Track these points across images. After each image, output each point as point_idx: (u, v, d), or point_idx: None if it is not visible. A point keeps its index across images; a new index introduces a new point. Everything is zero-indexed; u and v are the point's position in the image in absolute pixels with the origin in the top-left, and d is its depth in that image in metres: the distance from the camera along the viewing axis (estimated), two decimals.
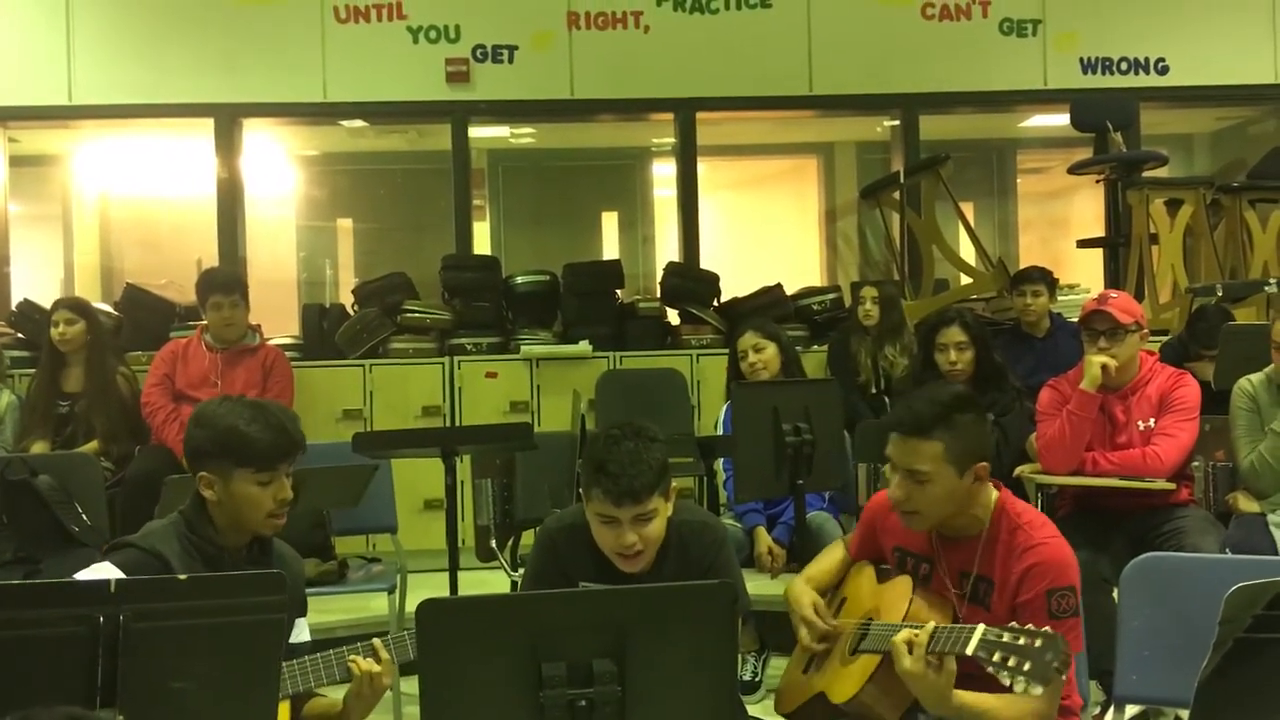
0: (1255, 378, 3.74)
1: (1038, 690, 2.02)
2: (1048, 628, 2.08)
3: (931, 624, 2.22)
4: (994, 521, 2.42)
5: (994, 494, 2.45)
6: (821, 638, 2.54)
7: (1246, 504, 3.71)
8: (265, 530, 2.40)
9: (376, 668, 2.25)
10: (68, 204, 7.96)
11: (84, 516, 3.94)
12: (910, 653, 2.17)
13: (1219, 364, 4.28)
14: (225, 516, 2.36)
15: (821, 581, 2.70)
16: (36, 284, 6.92)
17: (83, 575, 2.20)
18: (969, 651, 2.10)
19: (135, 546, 2.32)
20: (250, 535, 2.41)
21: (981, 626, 2.13)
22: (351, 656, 2.26)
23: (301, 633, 2.44)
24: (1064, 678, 2.22)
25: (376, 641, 2.28)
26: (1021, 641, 2.05)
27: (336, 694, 2.37)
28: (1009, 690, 2.07)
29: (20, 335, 5.58)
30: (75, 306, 4.98)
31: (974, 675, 2.21)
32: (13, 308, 5.80)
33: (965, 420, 2.38)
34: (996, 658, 2.06)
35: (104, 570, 2.23)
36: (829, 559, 2.76)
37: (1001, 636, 2.08)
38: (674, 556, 2.57)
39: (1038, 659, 2.02)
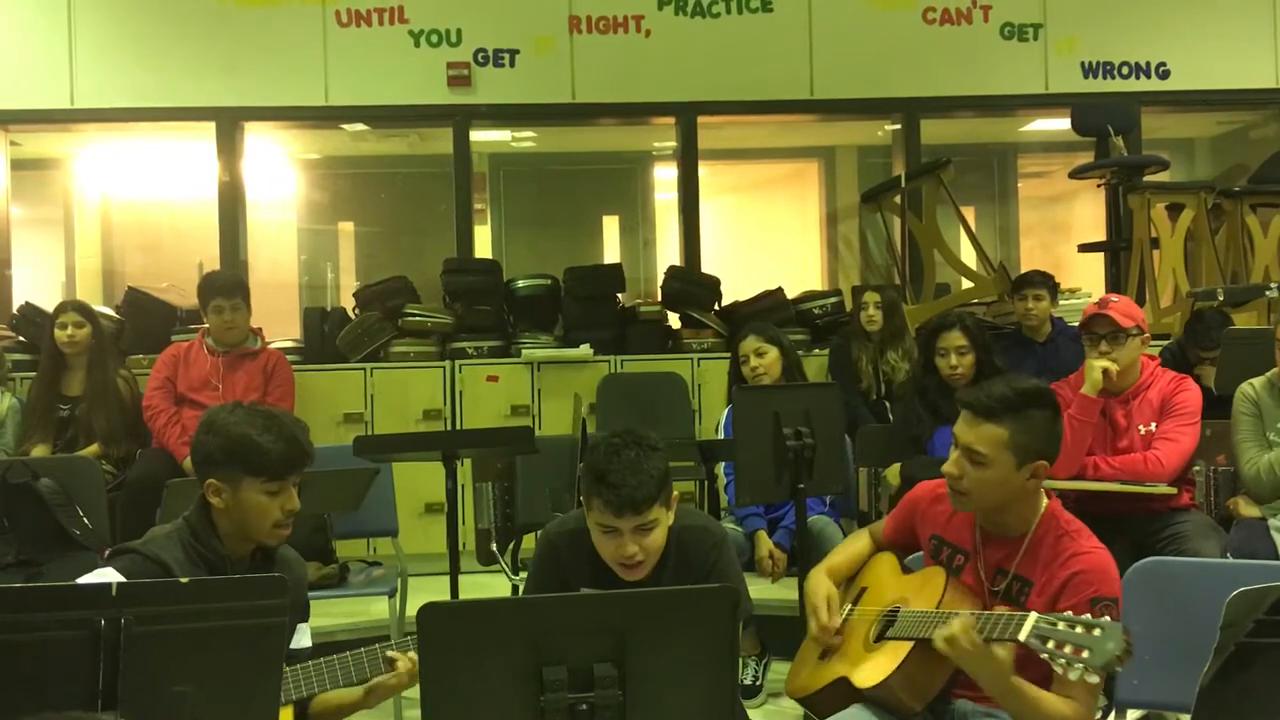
0: (1257, 381, 3.74)
1: (1094, 679, 2.00)
2: (1106, 618, 2.06)
3: (967, 611, 2.20)
4: (1041, 525, 2.41)
5: (1045, 501, 2.45)
6: (824, 631, 2.54)
7: (1247, 508, 3.71)
8: (270, 540, 2.39)
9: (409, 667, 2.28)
10: (69, 207, 7.96)
11: (85, 520, 3.94)
12: (967, 638, 2.15)
13: (1220, 368, 4.28)
14: (231, 524, 2.36)
15: (842, 573, 2.69)
16: (38, 287, 6.93)
17: (85, 580, 2.19)
18: (1021, 638, 2.08)
19: (138, 553, 2.31)
20: (255, 544, 2.40)
21: (1033, 614, 2.11)
22: (391, 653, 2.28)
23: (303, 638, 2.43)
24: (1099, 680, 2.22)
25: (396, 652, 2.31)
26: (1078, 630, 2.02)
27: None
28: (1062, 677, 2.05)
29: (22, 339, 5.58)
30: (82, 309, 4.98)
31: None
32: (14, 311, 5.81)
33: (1037, 415, 2.38)
34: (1051, 645, 2.03)
35: (106, 576, 2.22)
36: (853, 548, 2.76)
37: (1056, 624, 2.05)
38: (674, 560, 2.56)
39: (1098, 646, 1.98)
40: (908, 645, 2.33)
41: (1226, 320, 4.76)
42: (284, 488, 2.34)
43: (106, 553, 3.84)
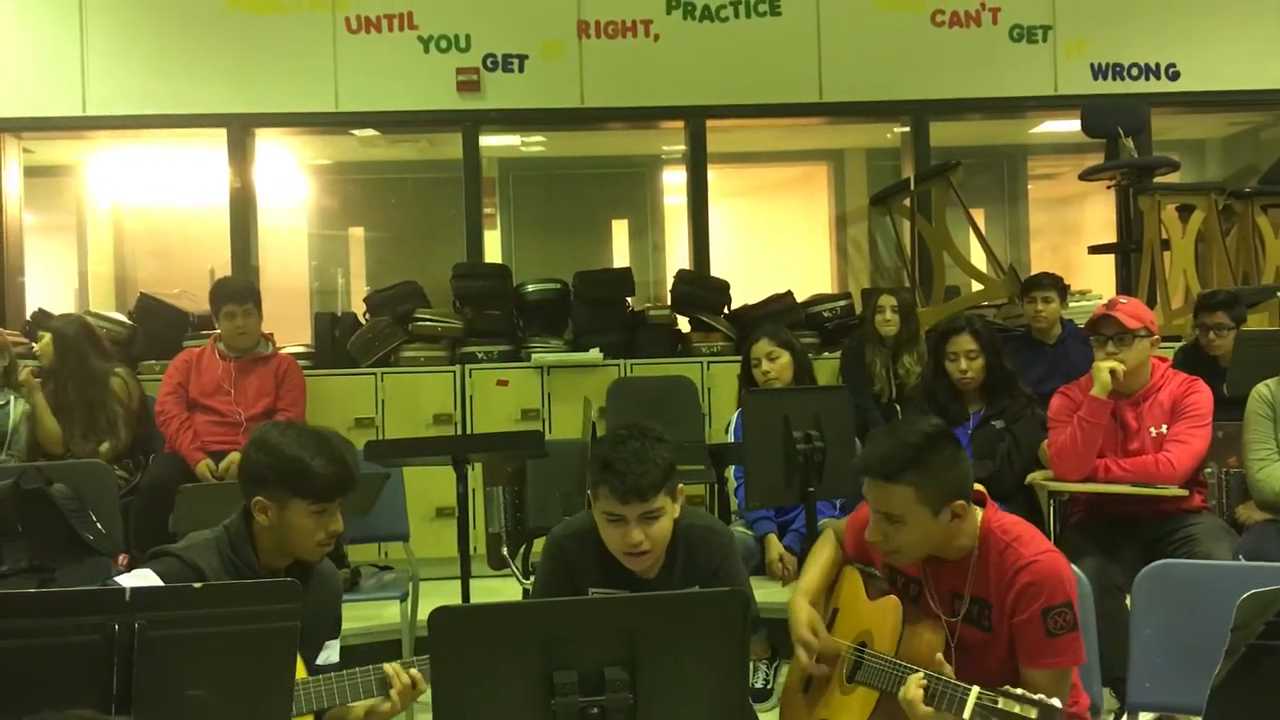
0: (1273, 382, 3.72)
1: None
2: (1041, 696, 2.04)
3: (919, 684, 2.19)
4: (982, 542, 2.39)
5: (979, 515, 2.42)
6: (818, 658, 2.54)
7: (1258, 513, 3.70)
8: (311, 557, 2.41)
9: (421, 685, 2.26)
10: (82, 214, 8.01)
11: (98, 525, 3.96)
12: (918, 708, 2.17)
13: (1233, 370, 4.26)
14: (272, 540, 2.37)
15: (816, 591, 2.67)
16: (51, 294, 6.96)
17: (124, 580, 2.21)
18: (965, 716, 2.09)
19: (178, 557, 2.32)
20: (294, 558, 2.41)
21: (976, 690, 2.10)
22: (389, 667, 2.27)
23: (331, 654, 2.44)
24: (1058, 683, 2.23)
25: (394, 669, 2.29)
26: (1016, 710, 2.02)
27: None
28: None
29: (34, 345, 5.60)
30: (41, 324, 5.01)
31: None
32: (27, 317, 5.84)
33: (937, 461, 2.33)
34: None
35: (145, 577, 2.25)
36: (820, 560, 2.72)
37: (996, 702, 2.05)
38: (681, 560, 2.58)
39: None
40: (876, 695, 2.35)
41: (1233, 293, 4.75)
42: (329, 509, 2.36)
43: (122, 558, 3.89)
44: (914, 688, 2.17)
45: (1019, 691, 2.04)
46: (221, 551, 2.35)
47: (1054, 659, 2.28)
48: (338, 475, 2.35)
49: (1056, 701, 2.02)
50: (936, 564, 2.45)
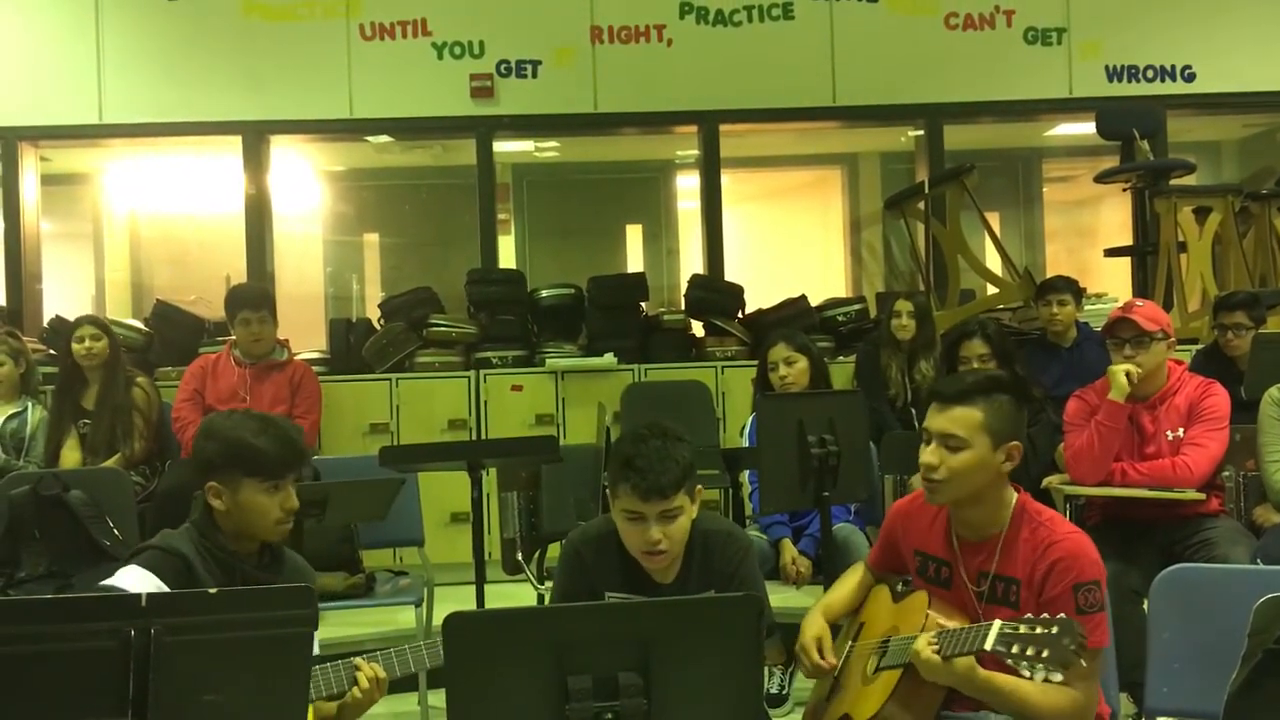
0: None
1: (1057, 677, 2.06)
2: (1062, 615, 2.10)
3: (929, 640, 2.25)
4: (1014, 521, 2.44)
5: (1014, 495, 2.47)
6: (818, 669, 2.56)
7: (1275, 516, 3.68)
8: (272, 537, 2.47)
9: (381, 674, 2.29)
10: (98, 221, 8.06)
11: (115, 531, 3.98)
12: (925, 654, 2.23)
13: (1249, 372, 4.24)
14: (233, 525, 2.43)
15: (838, 608, 2.70)
16: (68, 301, 7.00)
17: (113, 581, 2.23)
18: (987, 647, 2.13)
19: (157, 548, 2.38)
20: (258, 542, 2.47)
21: (998, 621, 2.15)
22: (357, 661, 2.29)
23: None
24: (1088, 665, 2.23)
25: (360, 661, 2.31)
26: (1038, 630, 2.08)
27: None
28: (1030, 680, 2.11)
29: (52, 351, 5.64)
30: (98, 323, 5.03)
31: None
32: (44, 324, 5.88)
33: (1004, 399, 2.44)
34: (1015, 650, 2.09)
35: (132, 572, 2.30)
36: (849, 582, 2.77)
37: (1018, 629, 2.11)
38: (698, 564, 2.58)
39: (1054, 644, 2.05)
40: (897, 674, 2.36)
41: (1253, 293, 4.74)
42: (282, 486, 2.43)
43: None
44: (923, 640, 2.25)
45: (1041, 616, 2.11)
46: (194, 540, 2.41)
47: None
48: (284, 451, 2.42)
49: (1075, 621, 2.08)
50: (966, 544, 2.48)
